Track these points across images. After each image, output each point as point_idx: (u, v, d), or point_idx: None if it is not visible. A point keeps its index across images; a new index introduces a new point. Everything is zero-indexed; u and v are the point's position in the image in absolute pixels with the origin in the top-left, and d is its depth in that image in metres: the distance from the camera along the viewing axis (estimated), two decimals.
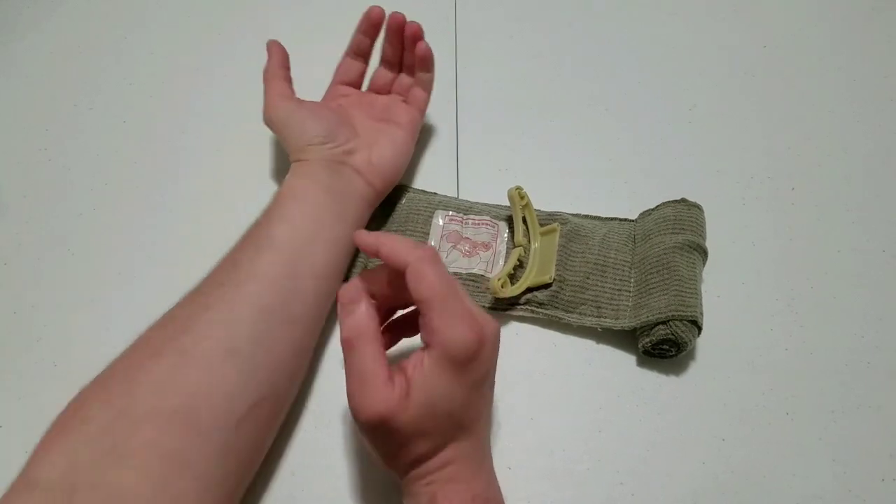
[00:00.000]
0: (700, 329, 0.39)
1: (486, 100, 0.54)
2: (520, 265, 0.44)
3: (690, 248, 0.42)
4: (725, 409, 0.40)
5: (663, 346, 0.39)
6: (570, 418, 0.40)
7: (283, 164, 0.49)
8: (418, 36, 0.48)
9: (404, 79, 0.50)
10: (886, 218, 0.47)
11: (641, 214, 0.45)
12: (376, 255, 0.33)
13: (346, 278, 0.43)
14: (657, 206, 0.45)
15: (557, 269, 0.43)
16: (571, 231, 0.44)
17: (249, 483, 0.36)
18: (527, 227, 0.45)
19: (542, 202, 0.46)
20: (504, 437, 0.39)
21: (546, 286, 0.42)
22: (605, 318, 0.41)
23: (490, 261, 0.44)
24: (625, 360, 0.42)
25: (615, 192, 0.48)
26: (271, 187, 0.43)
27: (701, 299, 0.40)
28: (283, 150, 0.51)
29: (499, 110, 0.54)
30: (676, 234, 0.42)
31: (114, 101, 0.54)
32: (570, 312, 0.42)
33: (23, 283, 0.45)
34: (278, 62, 0.47)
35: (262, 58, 0.56)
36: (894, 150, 0.51)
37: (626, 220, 0.46)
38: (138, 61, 0.57)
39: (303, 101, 0.46)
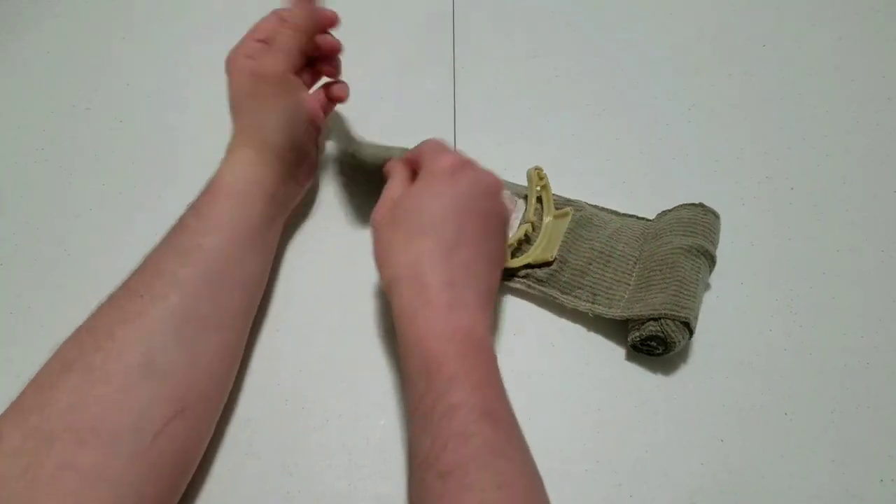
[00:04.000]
0: (692, 332, 0.39)
1: (484, 100, 0.54)
2: (527, 241, 0.44)
3: (698, 252, 0.41)
4: (724, 409, 0.40)
5: (651, 342, 0.39)
6: (568, 419, 0.40)
7: None
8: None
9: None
10: (885, 218, 0.47)
11: (659, 214, 0.45)
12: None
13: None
14: (674, 207, 0.44)
15: (562, 251, 0.43)
16: (584, 218, 0.45)
17: (182, 489, 0.35)
18: (541, 207, 0.46)
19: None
20: None
21: (546, 264, 0.43)
22: (599, 305, 0.41)
23: None
24: (623, 361, 0.41)
25: (613, 192, 0.48)
26: None
27: (699, 304, 0.40)
28: None
29: (497, 111, 0.54)
30: (687, 236, 0.42)
31: (112, 101, 0.54)
32: (566, 294, 0.42)
33: (19, 283, 0.45)
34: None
35: None
36: (894, 150, 0.50)
37: (643, 218, 0.46)
38: (136, 61, 0.57)
39: (291, 78, 0.41)
